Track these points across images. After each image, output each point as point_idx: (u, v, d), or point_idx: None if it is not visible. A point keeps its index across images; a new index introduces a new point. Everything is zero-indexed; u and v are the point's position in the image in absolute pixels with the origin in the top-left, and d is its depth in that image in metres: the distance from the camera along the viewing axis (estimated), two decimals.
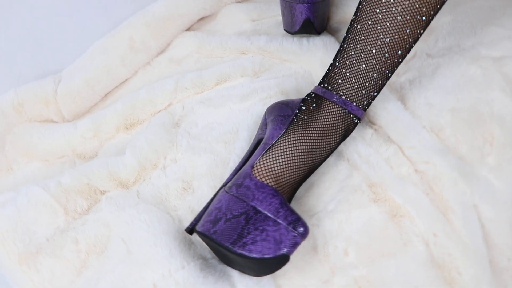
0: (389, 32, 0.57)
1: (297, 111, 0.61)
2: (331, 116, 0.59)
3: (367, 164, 0.61)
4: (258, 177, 0.57)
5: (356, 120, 0.60)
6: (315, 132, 0.59)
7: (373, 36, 0.57)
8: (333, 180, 0.62)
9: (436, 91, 0.66)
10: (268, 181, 0.56)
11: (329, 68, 0.61)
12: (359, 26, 0.58)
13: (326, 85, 0.61)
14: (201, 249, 0.61)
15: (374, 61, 0.58)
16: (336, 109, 0.59)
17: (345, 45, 0.60)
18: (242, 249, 0.51)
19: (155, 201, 0.66)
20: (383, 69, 0.58)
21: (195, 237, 0.62)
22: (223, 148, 0.69)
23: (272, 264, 0.51)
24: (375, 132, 0.65)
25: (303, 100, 0.62)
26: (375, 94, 0.60)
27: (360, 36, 0.58)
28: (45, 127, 0.78)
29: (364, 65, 0.58)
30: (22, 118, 0.80)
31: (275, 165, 0.57)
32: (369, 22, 0.58)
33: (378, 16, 0.57)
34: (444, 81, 0.67)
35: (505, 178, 0.60)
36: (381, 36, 0.57)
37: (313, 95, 0.62)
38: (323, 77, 0.62)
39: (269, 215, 0.53)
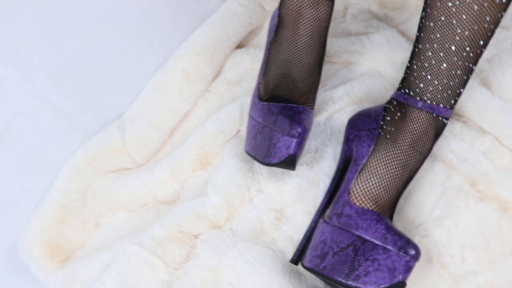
0: (467, 24, 0.54)
1: (382, 123, 0.60)
2: (419, 124, 0.58)
3: (465, 162, 0.60)
4: (358, 203, 0.56)
5: (445, 121, 0.58)
6: (406, 143, 0.58)
7: (450, 32, 0.55)
8: (432, 185, 0.61)
9: None
10: (368, 205, 0.56)
11: (406, 71, 0.60)
12: (432, 24, 0.56)
13: (407, 90, 0.59)
14: (311, 279, 0.61)
15: (455, 58, 0.56)
16: (423, 116, 0.58)
17: (420, 46, 0.58)
18: (356, 282, 0.52)
19: (252, 236, 0.67)
20: (466, 64, 0.56)
21: (302, 267, 0.63)
22: (308, 170, 0.69)
23: None
24: (464, 125, 0.63)
25: (386, 109, 0.61)
26: (461, 90, 0.58)
27: (435, 34, 0.56)
28: (123, 177, 0.81)
29: (445, 65, 0.56)
30: (97, 172, 0.83)
31: (372, 187, 0.57)
32: (443, 18, 0.55)
33: (452, 10, 0.55)
34: None
35: None
36: (459, 31, 0.55)
37: (395, 102, 0.60)
38: (402, 81, 0.60)
39: (377, 243, 0.52)
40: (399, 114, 0.59)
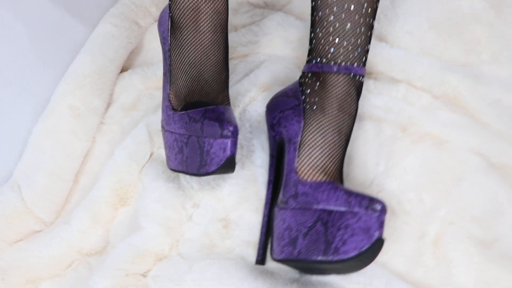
0: None
1: (303, 97, 0.60)
2: (341, 87, 0.58)
3: (390, 112, 0.63)
4: (309, 179, 0.55)
5: (362, 79, 0.60)
6: (334, 108, 0.58)
7: None
8: (368, 142, 0.62)
9: (407, 18, 0.67)
10: (319, 178, 0.55)
11: (311, 42, 0.60)
12: None
13: (318, 59, 0.60)
14: (285, 273, 0.58)
15: (356, 16, 0.58)
16: (342, 78, 0.59)
17: (320, 13, 0.59)
18: (336, 255, 0.50)
19: (204, 253, 0.62)
20: (367, 20, 0.58)
21: (270, 264, 0.59)
22: (241, 168, 0.66)
23: (371, 254, 0.51)
24: (376, 81, 0.66)
25: (301, 84, 0.61)
26: (368, 47, 0.60)
27: None
28: (35, 243, 0.70)
29: (349, 24, 0.58)
30: (1, 246, 0.71)
31: (316, 159, 0.56)
32: None
33: None
34: (407, 4, 0.68)
35: (506, 65, 0.64)
36: None
37: (309, 74, 0.61)
38: (309, 53, 0.61)
39: (343, 209, 0.52)
40: (318, 83, 0.60)
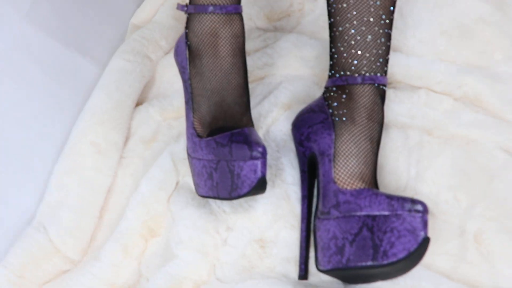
0: None
1: (331, 111, 0.62)
2: (368, 97, 0.60)
3: (414, 118, 0.65)
4: (348, 187, 0.56)
5: (385, 88, 0.62)
6: (363, 118, 0.60)
7: (364, 5, 0.60)
8: (397, 150, 0.64)
9: (417, 26, 0.71)
10: (358, 185, 0.56)
11: (333, 57, 0.62)
12: (345, 5, 0.60)
13: (342, 73, 0.62)
14: (329, 284, 0.58)
15: (376, 28, 0.60)
16: (367, 89, 0.61)
17: (340, 28, 0.61)
18: (386, 258, 0.51)
19: (244, 275, 0.62)
20: (386, 30, 0.61)
21: (313, 278, 0.59)
22: (272, 187, 0.66)
23: (419, 254, 0.51)
24: (396, 90, 0.68)
25: (327, 98, 0.63)
26: (388, 57, 0.62)
27: (351, 12, 0.60)
28: (66, 281, 0.69)
29: (370, 36, 0.60)
30: None
31: (353, 167, 0.57)
32: None
33: None
34: (415, 14, 0.71)
35: None
36: (371, 2, 0.59)
37: (334, 88, 0.62)
38: (331, 68, 0.63)
39: (386, 213, 0.52)
40: (344, 96, 0.61)
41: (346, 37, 0.61)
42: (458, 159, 0.61)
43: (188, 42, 0.66)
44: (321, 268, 0.55)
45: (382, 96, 0.62)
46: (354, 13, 0.60)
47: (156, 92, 0.85)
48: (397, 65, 0.68)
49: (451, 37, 0.69)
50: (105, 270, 0.68)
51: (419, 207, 0.52)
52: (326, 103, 0.63)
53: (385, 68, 0.62)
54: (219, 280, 0.63)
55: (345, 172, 0.57)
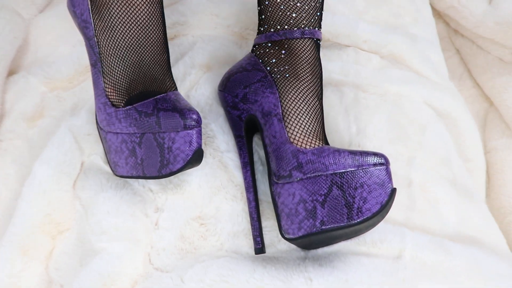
0: None
1: (269, 68, 0.57)
2: (309, 52, 0.57)
3: (348, 75, 0.64)
4: (307, 146, 0.52)
5: (319, 42, 0.59)
6: (307, 73, 0.56)
7: None
8: (335, 107, 0.62)
9: None
10: (315, 143, 0.53)
11: (267, 10, 0.57)
12: None
13: (279, 27, 0.57)
14: (290, 254, 0.54)
15: None
16: (309, 43, 0.57)
17: None
18: (361, 215, 0.49)
19: (189, 260, 0.54)
20: None
21: (269, 250, 0.55)
22: (204, 156, 0.59)
23: (388, 206, 0.50)
24: (325, 48, 0.67)
25: (260, 56, 0.58)
26: (322, 11, 0.59)
27: None
28: None
29: None
30: None
31: (306, 125, 0.54)
32: None
33: None
34: None
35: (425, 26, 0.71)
36: None
37: (269, 44, 0.58)
38: (263, 23, 0.58)
39: (353, 169, 0.50)
40: (283, 51, 0.57)
41: None
42: (392, 113, 0.61)
43: None
44: (289, 236, 0.51)
45: (318, 51, 0.59)
46: None
47: (33, 58, 0.70)
48: (324, 24, 0.66)
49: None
50: (3, 284, 0.54)
51: (382, 160, 0.51)
52: (260, 60, 0.58)
53: (321, 21, 0.59)
54: (158, 270, 0.54)
55: (299, 131, 0.53)
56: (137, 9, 0.55)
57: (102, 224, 0.56)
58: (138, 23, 0.55)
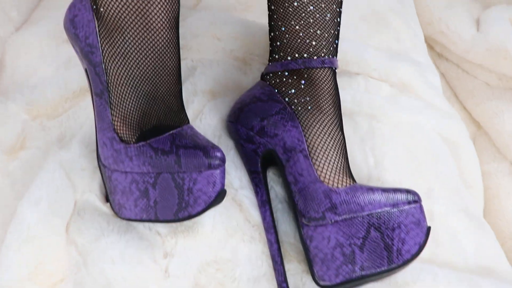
0: None
1: (288, 99, 0.53)
2: (330, 82, 0.54)
3: (360, 104, 0.62)
4: (339, 185, 0.49)
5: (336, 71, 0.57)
6: (329, 105, 0.54)
7: None
8: (349, 138, 0.60)
9: None
10: (347, 181, 0.50)
11: (283, 37, 0.54)
12: None
13: (297, 55, 0.54)
14: None
15: (334, 6, 0.54)
16: (329, 73, 0.54)
17: (295, 4, 0.53)
18: (401, 257, 0.48)
19: None
20: (339, 9, 0.55)
21: None
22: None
23: (424, 246, 0.49)
24: None
25: (276, 85, 0.54)
26: (338, 39, 0.57)
27: None
28: None
29: (329, 15, 0.54)
30: None
31: (335, 162, 0.51)
32: None
33: None
34: None
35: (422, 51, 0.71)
36: None
37: (286, 73, 0.54)
38: (279, 50, 0.55)
39: (389, 209, 0.48)
40: (303, 81, 0.54)
41: (303, 14, 0.53)
42: (407, 144, 0.60)
43: (101, 9, 0.48)
44: (325, 283, 0.47)
45: (336, 80, 0.57)
46: None
47: (9, 81, 0.62)
48: None
49: (370, 23, 0.68)
50: None
51: (415, 198, 0.49)
52: (276, 90, 0.55)
53: (337, 51, 0.57)
54: None
55: (328, 168, 0.50)
56: (155, 34, 0.49)
57: (107, 273, 0.50)
58: (156, 49, 0.50)
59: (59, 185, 0.54)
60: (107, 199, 0.55)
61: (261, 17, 0.68)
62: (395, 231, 0.47)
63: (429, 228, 0.48)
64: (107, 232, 0.52)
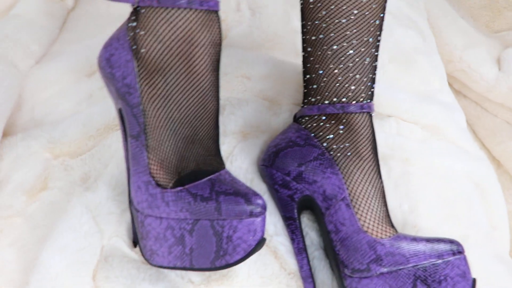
0: (377, 12, 0.53)
1: (326, 145, 0.53)
2: (369, 128, 0.53)
3: (393, 148, 0.61)
4: (383, 236, 0.48)
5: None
6: (368, 151, 0.53)
7: (365, 24, 0.52)
8: (383, 182, 0.58)
9: None
10: (391, 231, 0.49)
11: (321, 80, 0.53)
12: (344, 21, 0.51)
13: (335, 99, 0.53)
14: None
15: (373, 50, 0.54)
16: (367, 118, 0.53)
17: (334, 47, 0.52)
18: None
19: None
20: (376, 53, 0.55)
21: None
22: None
23: None
24: None
25: (312, 129, 0.54)
26: (375, 83, 0.56)
27: (351, 29, 0.52)
28: None
29: (368, 59, 0.53)
30: None
31: (377, 211, 0.50)
32: (355, 11, 0.51)
33: (363, 1, 0.52)
34: None
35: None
36: (372, 21, 0.52)
37: (323, 117, 0.54)
38: (315, 93, 0.54)
39: (435, 261, 0.47)
40: (342, 127, 0.53)
41: (342, 58, 0.53)
42: (440, 189, 0.59)
43: (142, 50, 0.47)
44: None
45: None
46: (355, 31, 0.52)
47: (28, 116, 0.60)
48: None
49: (399, 64, 0.68)
50: None
51: (460, 248, 0.48)
52: (313, 134, 0.54)
53: (373, 95, 0.56)
54: None
55: (371, 217, 0.49)
56: (198, 76, 0.48)
57: None
58: (198, 92, 0.48)
59: (87, 230, 0.52)
60: (135, 244, 0.53)
61: (289, 55, 0.68)
62: (442, 284, 0.46)
63: (474, 280, 0.48)
64: (138, 280, 0.50)
